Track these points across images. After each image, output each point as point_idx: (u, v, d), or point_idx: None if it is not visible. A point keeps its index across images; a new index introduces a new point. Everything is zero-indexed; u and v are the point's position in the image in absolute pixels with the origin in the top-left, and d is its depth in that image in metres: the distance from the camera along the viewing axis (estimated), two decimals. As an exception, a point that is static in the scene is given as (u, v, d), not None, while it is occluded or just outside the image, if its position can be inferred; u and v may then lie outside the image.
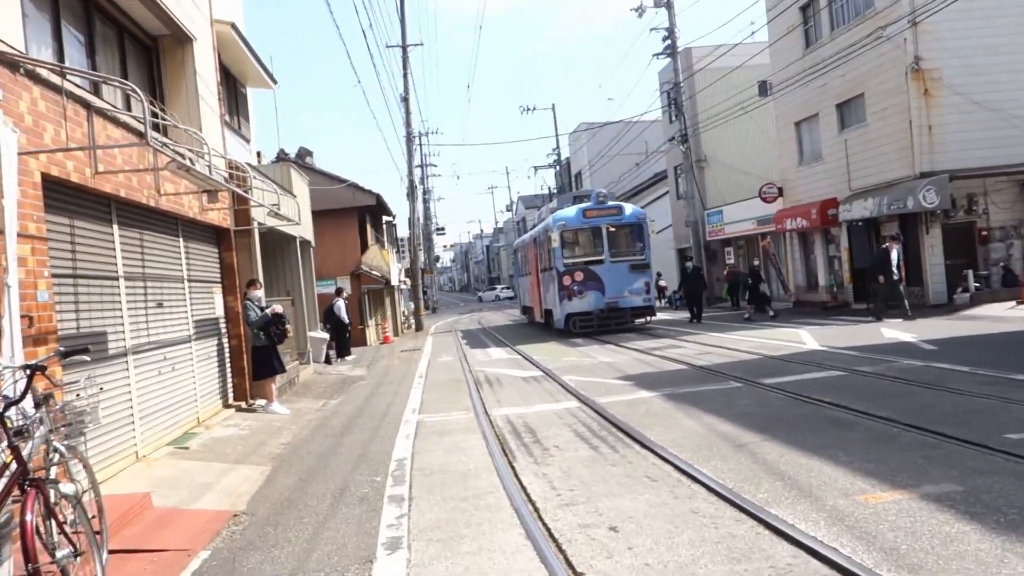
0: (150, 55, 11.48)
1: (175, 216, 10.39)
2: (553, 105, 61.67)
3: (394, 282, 34.97)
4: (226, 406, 11.97)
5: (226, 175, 12.13)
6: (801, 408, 8.55)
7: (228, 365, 12.37)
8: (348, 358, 22.58)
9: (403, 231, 52.60)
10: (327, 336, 19.70)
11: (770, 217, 29.59)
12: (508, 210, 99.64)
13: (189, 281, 10.94)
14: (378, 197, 30.13)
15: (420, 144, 70.02)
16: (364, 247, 30.96)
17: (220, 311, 12.28)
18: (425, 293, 65.42)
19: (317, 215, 27.54)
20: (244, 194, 11.30)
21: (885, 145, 22.27)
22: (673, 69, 35.26)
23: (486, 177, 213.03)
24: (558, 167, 58.50)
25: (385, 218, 39.95)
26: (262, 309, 12.05)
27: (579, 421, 9.14)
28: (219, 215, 11.95)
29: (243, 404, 12.36)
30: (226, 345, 12.35)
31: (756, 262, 32.24)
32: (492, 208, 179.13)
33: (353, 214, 29.97)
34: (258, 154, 18.55)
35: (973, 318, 17.66)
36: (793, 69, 26.58)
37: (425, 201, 68.77)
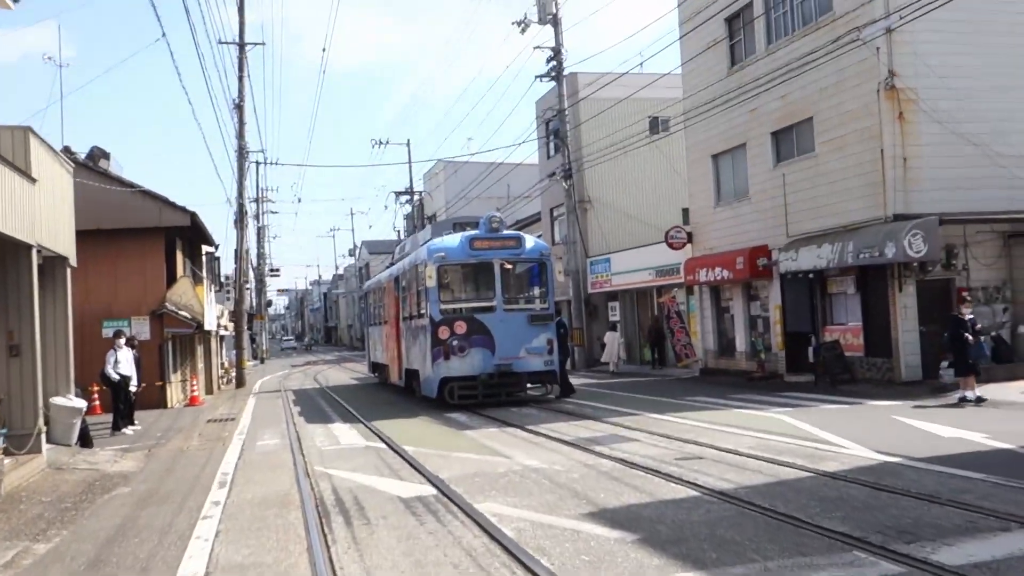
0: None
1: None
2: (408, 140, 56.18)
3: (209, 326, 27.87)
4: None
5: None
6: None
7: None
8: (128, 430, 15.75)
9: (229, 267, 45.07)
10: (81, 405, 12.87)
11: (675, 267, 24.97)
12: (351, 255, 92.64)
13: None
14: (193, 216, 23.28)
15: (256, 171, 62.68)
16: (172, 280, 23.98)
17: None
18: (254, 341, 57.53)
19: (108, 235, 20.88)
20: None
21: (844, 180, 17.94)
22: (558, 94, 30.57)
23: (327, 218, 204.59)
24: (412, 205, 52.79)
25: (206, 249, 32.75)
26: None
27: None
28: None
29: None
30: None
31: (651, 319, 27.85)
32: (333, 252, 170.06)
33: (159, 237, 22.99)
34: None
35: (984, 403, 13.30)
36: (713, 91, 22.21)
37: (259, 237, 61.29)
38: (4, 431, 9.76)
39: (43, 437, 11.01)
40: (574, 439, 11.20)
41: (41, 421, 10.91)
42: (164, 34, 18.35)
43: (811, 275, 18.90)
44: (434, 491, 8.24)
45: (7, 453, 9.50)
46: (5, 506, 8.54)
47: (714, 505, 6.90)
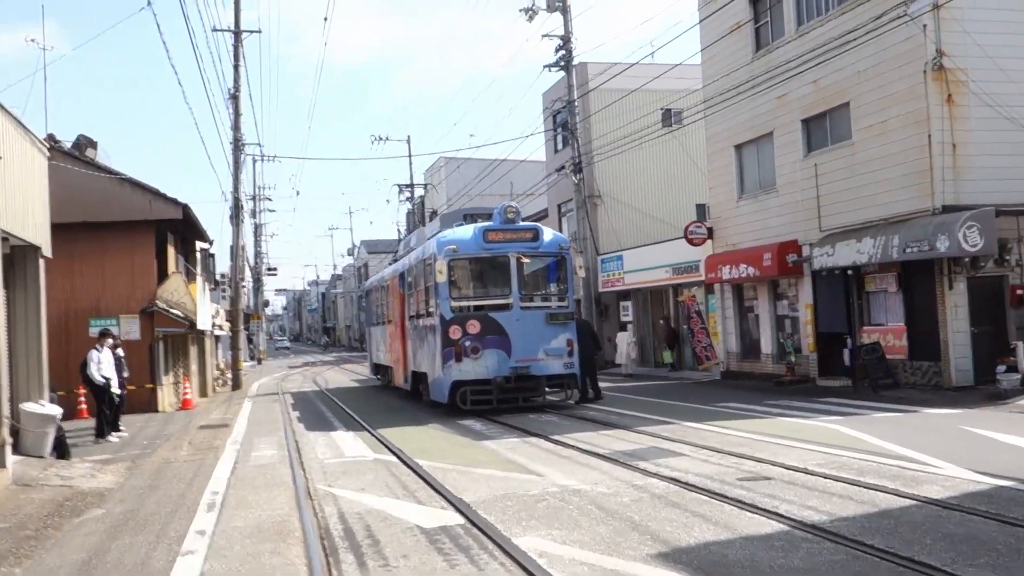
0: None
1: None
2: (408, 136, 54.88)
3: (203, 325, 26.53)
4: None
5: None
6: None
7: None
8: (113, 438, 14.45)
9: (225, 266, 43.62)
10: (55, 412, 11.56)
11: (693, 264, 23.70)
12: (349, 254, 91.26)
13: None
14: (185, 208, 21.98)
15: (253, 167, 61.25)
16: (163, 277, 22.67)
17: None
18: (251, 341, 56.13)
19: (94, 228, 19.78)
20: None
21: (885, 169, 16.66)
22: (567, 84, 29.27)
23: (326, 216, 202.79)
24: (412, 203, 51.44)
25: (200, 245, 31.38)
26: None
27: None
28: None
29: None
30: None
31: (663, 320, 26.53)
32: (331, 251, 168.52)
33: (149, 231, 21.68)
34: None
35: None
36: (736, 77, 20.93)
37: (256, 235, 59.89)
38: (-41, 444, 8.46)
39: (8, 449, 9.69)
40: (611, 452, 9.91)
41: (6, 431, 9.60)
42: (150, 2, 16.79)
43: (848, 272, 17.62)
44: (461, 519, 6.94)
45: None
46: (-48, 535, 7.24)
47: (814, 544, 5.60)
